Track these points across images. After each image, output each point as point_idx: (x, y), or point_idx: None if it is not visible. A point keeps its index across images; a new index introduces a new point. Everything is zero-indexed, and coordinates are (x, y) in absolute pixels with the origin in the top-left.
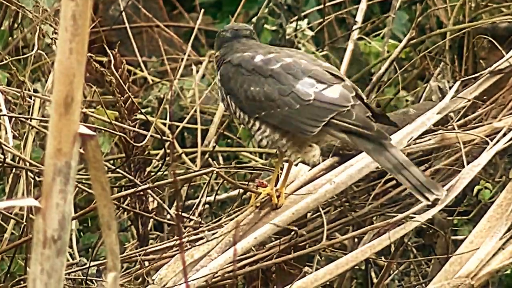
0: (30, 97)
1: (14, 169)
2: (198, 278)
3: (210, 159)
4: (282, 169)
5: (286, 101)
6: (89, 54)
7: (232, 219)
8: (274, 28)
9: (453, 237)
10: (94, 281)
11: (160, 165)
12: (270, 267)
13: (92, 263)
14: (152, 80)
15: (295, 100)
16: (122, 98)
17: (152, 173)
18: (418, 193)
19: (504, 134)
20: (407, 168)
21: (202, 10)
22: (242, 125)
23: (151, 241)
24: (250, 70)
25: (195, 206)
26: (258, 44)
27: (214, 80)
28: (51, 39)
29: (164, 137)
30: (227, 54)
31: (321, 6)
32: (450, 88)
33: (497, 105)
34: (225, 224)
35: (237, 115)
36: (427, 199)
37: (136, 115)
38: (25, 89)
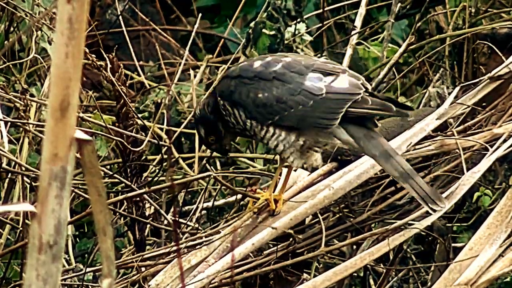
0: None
1: (9, 174)
2: (195, 283)
3: (207, 165)
4: (281, 175)
5: (298, 100)
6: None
7: (230, 224)
8: (272, 32)
9: (452, 244)
10: (90, 287)
11: (157, 170)
12: (268, 273)
13: (88, 269)
14: (149, 85)
15: (306, 97)
16: (119, 103)
17: (149, 178)
18: (424, 203)
19: (504, 141)
20: (413, 177)
21: (200, 14)
22: (254, 136)
23: (148, 247)
24: (252, 78)
25: (192, 212)
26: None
27: (212, 85)
28: (48, 40)
29: (161, 142)
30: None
31: (320, 11)
32: (449, 94)
33: (497, 111)
34: (223, 230)
35: (248, 126)
36: (433, 209)
37: (133, 120)
38: (25, 96)
